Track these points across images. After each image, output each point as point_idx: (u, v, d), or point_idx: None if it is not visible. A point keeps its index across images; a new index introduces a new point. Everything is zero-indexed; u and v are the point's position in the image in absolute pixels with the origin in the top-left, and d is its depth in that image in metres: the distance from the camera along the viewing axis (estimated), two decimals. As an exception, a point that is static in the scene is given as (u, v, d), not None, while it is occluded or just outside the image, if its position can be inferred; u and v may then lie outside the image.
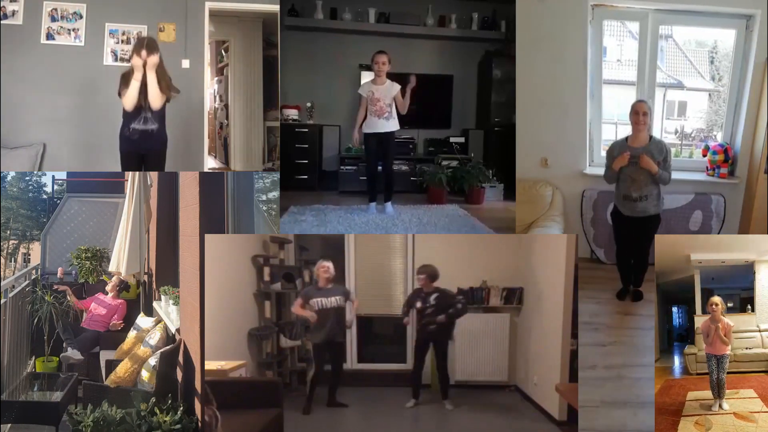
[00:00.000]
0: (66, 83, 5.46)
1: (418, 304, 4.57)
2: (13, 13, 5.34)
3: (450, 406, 4.50)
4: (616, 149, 4.55)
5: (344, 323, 4.61)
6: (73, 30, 5.46)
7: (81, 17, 5.47)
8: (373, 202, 5.49)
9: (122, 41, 5.50)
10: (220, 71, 8.70)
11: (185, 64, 5.66)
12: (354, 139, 5.40)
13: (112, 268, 5.31)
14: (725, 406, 3.72)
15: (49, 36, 5.44)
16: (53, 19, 5.42)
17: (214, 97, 8.77)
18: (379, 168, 5.51)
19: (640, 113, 4.42)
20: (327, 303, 4.49)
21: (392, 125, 5.32)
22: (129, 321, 5.42)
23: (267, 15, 6.67)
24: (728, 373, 3.83)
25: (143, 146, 4.60)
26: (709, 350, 3.85)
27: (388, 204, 5.46)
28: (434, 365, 4.74)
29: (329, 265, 4.56)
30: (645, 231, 4.59)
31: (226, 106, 8.09)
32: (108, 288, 5.71)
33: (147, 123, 4.53)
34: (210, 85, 7.90)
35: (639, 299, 4.79)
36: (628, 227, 4.61)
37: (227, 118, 8.01)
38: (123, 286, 5.80)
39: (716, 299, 3.90)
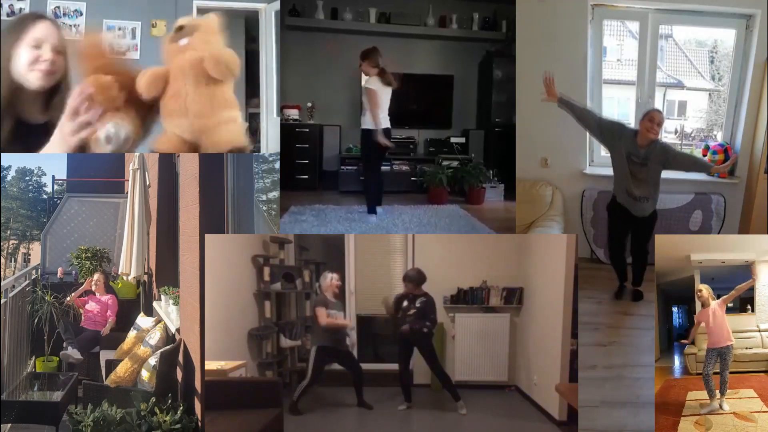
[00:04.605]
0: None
1: (405, 303, 4.58)
2: (20, 10, 5.42)
3: (464, 410, 4.42)
4: (625, 134, 4.44)
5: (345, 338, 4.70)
6: (74, 26, 5.54)
7: (81, 14, 5.57)
8: (374, 215, 5.45)
9: (118, 36, 5.59)
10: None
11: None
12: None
13: (121, 269, 5.37)
14: (725, 406, 3.71)
15: (52, 33, 5.54)
16: (56, 16, 5.49)
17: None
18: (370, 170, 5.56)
19: (654, 121, 4.31)
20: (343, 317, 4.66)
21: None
22: (129, 321, 5.41)
23: (249, 13, 6.72)
24: (729, 372, 3.81)
25: None
26: (712, 343, 3.79)
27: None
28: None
29: (338, 277, 4.68)
30: (643, 227, 4.58)
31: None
32: (94, 289, 5.73)
33: None
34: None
35: (639, 299, 4.78)
36: (625, 220, 4.58)
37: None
38: (110, 278, 5.84)
39: (701, 286, 3.93)
